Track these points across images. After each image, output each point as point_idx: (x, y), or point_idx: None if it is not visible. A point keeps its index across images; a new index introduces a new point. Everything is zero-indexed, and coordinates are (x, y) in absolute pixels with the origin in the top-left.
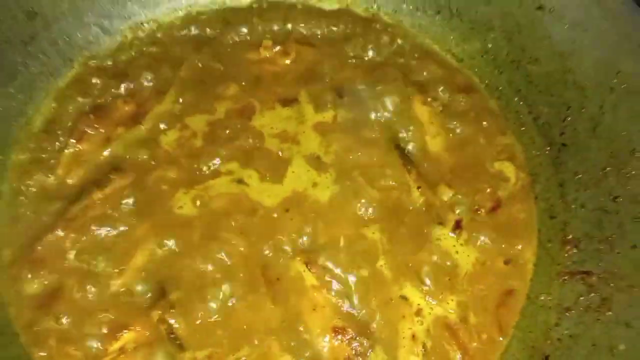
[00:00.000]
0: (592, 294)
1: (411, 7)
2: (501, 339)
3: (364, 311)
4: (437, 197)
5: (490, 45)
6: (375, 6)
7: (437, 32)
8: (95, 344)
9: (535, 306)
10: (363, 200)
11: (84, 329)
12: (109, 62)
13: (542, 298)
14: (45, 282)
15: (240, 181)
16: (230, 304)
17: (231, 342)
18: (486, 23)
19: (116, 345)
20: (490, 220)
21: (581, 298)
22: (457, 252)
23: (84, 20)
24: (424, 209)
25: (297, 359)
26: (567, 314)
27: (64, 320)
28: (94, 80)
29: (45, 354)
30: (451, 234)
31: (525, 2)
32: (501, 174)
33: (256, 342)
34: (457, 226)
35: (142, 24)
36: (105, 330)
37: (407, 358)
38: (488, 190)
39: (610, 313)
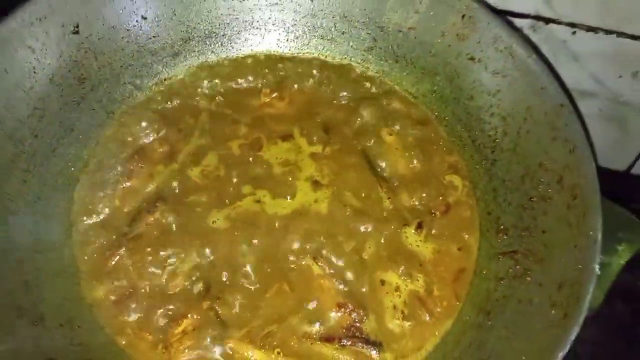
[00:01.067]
0: (517, 267)
1: (376, 57)
2: (457, 303)
3: (358, 291)
4: (402, 204)
5: (436, 87)
6: (347, 57)
7: (397, 76)
8: (163, 329)
9: (479, 279)
10: (350, 210)
11: (153, 319)
12: (143, 113)
13: (485, 272)
14: (118, 287)
15: (258, 201)
16: (259, 292)
17: (263, 320)
18: (432, 69)
19: (179, 329)
20: (444, 219)
21: (510, 270)
22: (418, 245)
23: (120, 81)
24: (393, 214)
25: (312, 326)
26: (501, 282)
27: (136, 314)
28: (132, 128)
29: (125, 341)
30: (414, 232)
31: (461, 54)
32: (451, 184)
33: (282, 318)
34: (419, 226)
35: (164, 80)
36: (169, 319)
37: (391, 321)
38: (440, 198)
39: (529, 279)
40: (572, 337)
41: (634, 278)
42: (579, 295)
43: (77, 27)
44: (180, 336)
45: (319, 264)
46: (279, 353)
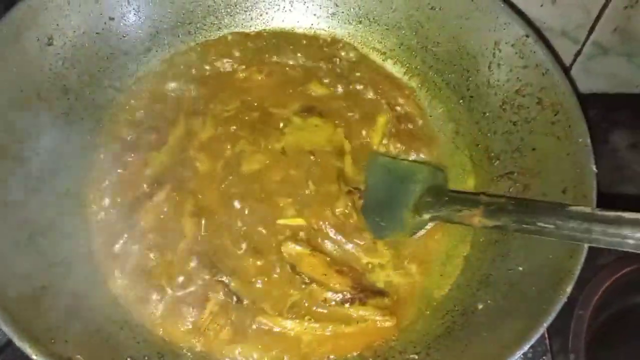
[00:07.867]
0: (517, 184)
1: (340, 21)
2: None
3: (345, 254)
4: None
5: (403, 40)
6: (313, 26)
7: (363, 37)
8: (194, 315)
9: None
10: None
11: (182, 310)
12: (129, 110)
13: None
14: (131, 278)
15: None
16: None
17: (280, 295)
18: (396, 24)
19: (207, 312)
20: None
21: (511, 189)
22: None
23: (101, 86)
24: None
25: (327, 294)
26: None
27: (160, 307)
28: (122, 128)
29: (162, 330)
30: None
31: (422, 6)
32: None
33: (300, 286)
34: None
35: (142, 77)
36: (195, 306)
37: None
38: None
39: (531, 192)
40: None
41: None
42: (586, 192)
43: (51, 38)
44: (211, 318)
45: (298, 245)
46: (309, 319)
